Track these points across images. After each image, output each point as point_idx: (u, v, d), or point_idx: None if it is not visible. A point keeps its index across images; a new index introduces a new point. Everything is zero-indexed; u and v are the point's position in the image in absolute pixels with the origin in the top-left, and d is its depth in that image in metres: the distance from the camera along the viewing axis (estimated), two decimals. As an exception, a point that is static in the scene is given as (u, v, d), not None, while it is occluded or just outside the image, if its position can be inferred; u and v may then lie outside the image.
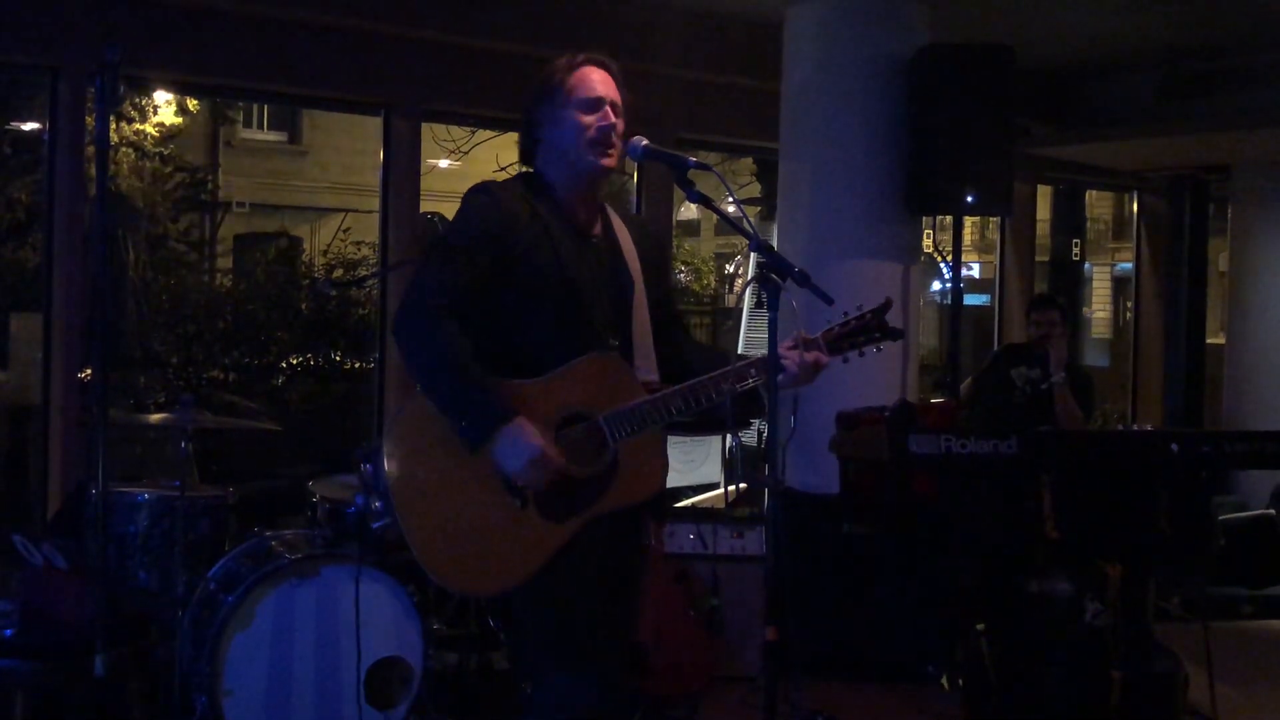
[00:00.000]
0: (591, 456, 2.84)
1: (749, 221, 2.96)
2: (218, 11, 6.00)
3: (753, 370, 2.90)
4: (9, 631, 4.29)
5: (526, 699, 2.94)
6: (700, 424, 3.08)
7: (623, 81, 2.99)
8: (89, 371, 5.54)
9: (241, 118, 16.84)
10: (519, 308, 2.87)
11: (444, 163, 11.92)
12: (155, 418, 4.87)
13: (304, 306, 10.89)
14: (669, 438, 3.00)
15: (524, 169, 3.05)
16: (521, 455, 2.71)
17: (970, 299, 9.54)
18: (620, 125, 2.94)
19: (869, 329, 3.01)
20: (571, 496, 2.82)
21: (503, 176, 3.11)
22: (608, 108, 2.93)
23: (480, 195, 2.91)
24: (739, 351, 3.18)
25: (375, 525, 4.16)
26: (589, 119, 2.91)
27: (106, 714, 4.11)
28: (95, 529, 3.89)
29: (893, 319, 3.06)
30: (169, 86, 8.51)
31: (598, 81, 2.94)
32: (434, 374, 2.78)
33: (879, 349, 3.03)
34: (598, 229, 3.01)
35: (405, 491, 2.80)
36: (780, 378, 2.83)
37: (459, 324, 2.78)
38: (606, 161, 2.93)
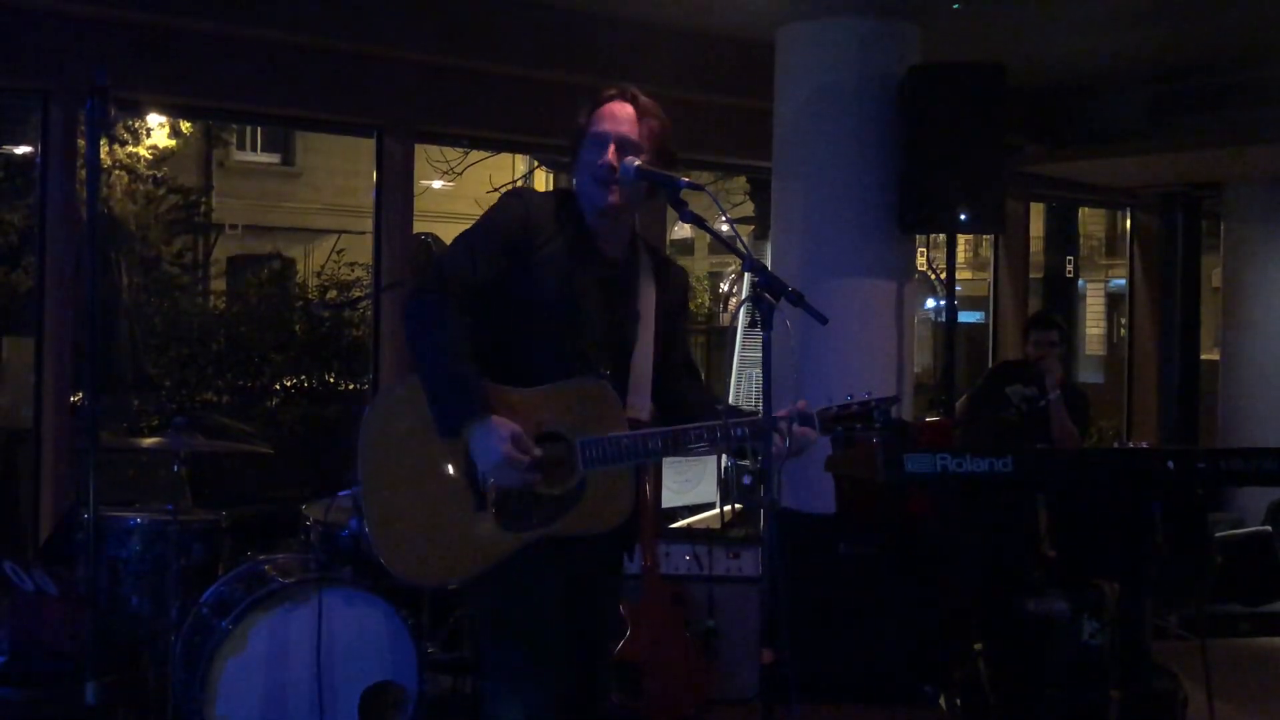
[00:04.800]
0: (560, 477, 2.85)
1: (742, 241, 2.97)
2: (210, 34, 6.01)
3: (739, 431, 2.91)
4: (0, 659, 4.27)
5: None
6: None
7: (651, 110, 3.00)
8: (81, 395, 5.52)
9: (235, 140, 16.84)
10: (520, 318, 2.91)
11: (437, 183, 11.92)
12: (148, 441, 4.84)
13: (298, 328, 10.87)
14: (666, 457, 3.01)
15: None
16: (491, 456, 2.75)
17: (964, 316, 9.53)
18: (629, 161, 2.92)
19: (869, 417, 2.99)
20: (530, 510, 2.85)
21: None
22: (612, 145, 2.94)
23: (514, 199, 2.98)
24: (733, 370, 3.20)
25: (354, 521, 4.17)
26: (592, 155, 2.95)
27: (98, 741, 4.08)
28: (86, 554, 3.87)
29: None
30: (162, 109, 8.52)
31: (609, 117, 2.96)
32: (426, 356, 2.84)
33: (874, 441, 3.03)
34: (622, 259, 3.04)
35: (371, 472, 2.88)
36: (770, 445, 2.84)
37: (462, 311, 2.83)
38: (608, 199, 2.94)
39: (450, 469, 2.83)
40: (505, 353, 2.89)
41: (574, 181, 3.03)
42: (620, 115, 2.96)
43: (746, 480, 3.00)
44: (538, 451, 2.79)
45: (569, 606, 2.92)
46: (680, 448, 2.92)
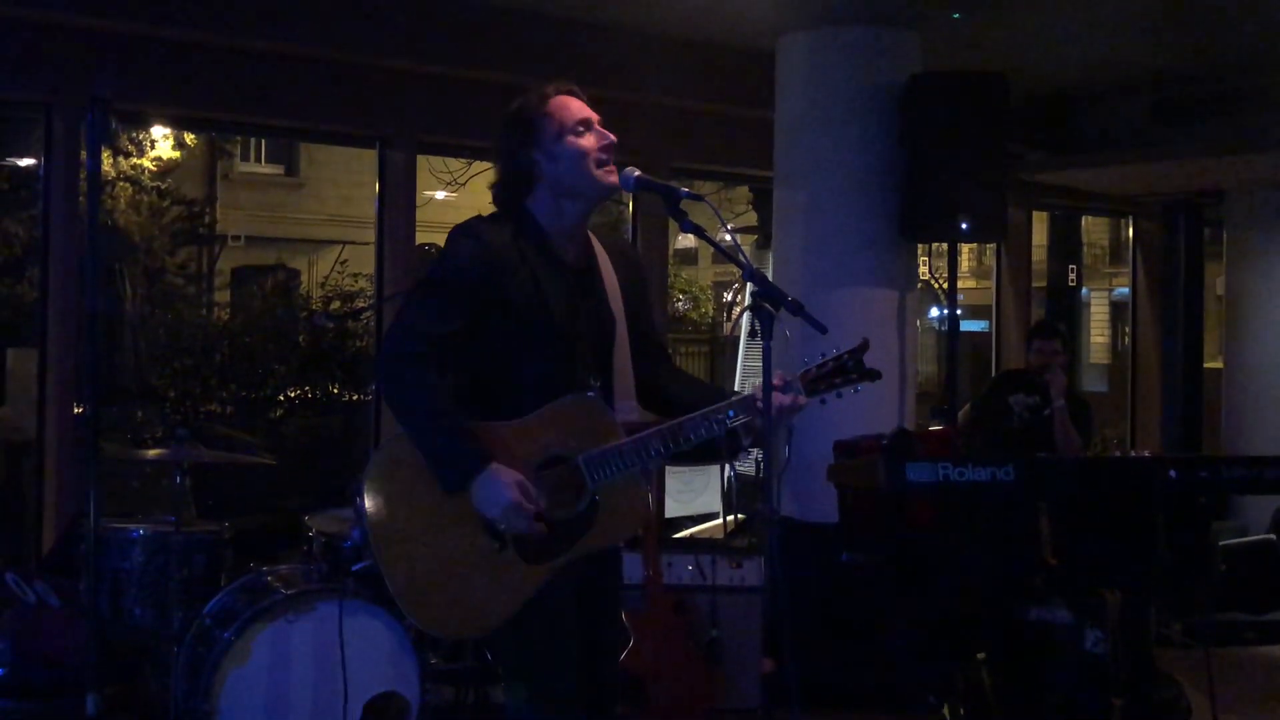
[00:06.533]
0: (571, 499, 2.83)
1: (742, 251, 2.95)
2: (212, 46, 6.03)
3: (732, 412, 2.88)
4: (1, 671, 4.26)
5: None
6: (697, 455, 3.07)
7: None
8: (84, 406, 5.52)
9: (239, 151, 16.88)
10: (505, 349, 2.87)
11: (440, 194, 11.94)
12: (151, 452, 4.86)
13: (301, 339, 10.88)
14: (668, 468, 3.01)
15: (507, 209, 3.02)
16: (499, 503, 2.73)
17: (967, 325, 9.53)
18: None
19: (845, 370, 2.97)
20: (551, 539, 2.81)
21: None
22: (599, 126, 2.94)
23: (466, 238, 2.87)
24: (736, 380, 3.20)
25: (355, 567, 4.14)
26: (588, 141, 2.91)
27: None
28: (89, 566, 3.87)
29: (874, 357, 3.01)
30: (165, 121, 8.54)
31: (577, 106, 2.95)
32: (413, 420, 2.80)
33: (856, 390, 3.00)
34: (583, 261, 3.00)
35: (384, 532, 2.80)
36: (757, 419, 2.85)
37: (439, 368, 2.79)
38: (613, 179, 2.92)
39: (464, 517, 2.77)
40: (490, 386, 2.86)
41: (549, 184, 2.92)
42: (580, 104, 2.95)
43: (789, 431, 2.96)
44: (542, 504, 2.77)
45: (582, 618, 2.90)
46: (680, 441, 2.88)
